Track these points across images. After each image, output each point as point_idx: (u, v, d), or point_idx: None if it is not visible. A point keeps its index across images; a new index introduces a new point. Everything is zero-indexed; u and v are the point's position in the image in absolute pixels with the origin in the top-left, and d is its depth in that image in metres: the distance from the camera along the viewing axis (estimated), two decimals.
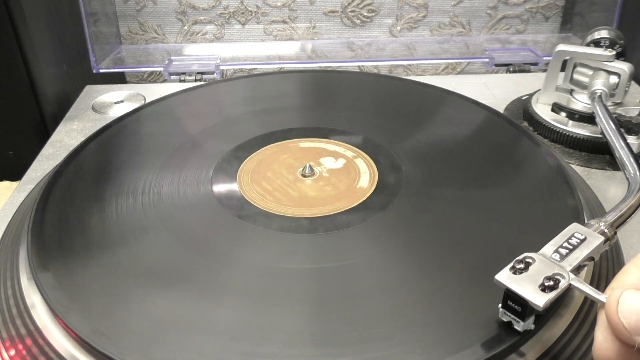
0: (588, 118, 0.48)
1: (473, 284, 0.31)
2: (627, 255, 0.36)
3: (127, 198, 0.38)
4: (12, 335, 0.31)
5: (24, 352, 0.30)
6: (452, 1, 0.74)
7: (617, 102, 0.48)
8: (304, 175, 0.41)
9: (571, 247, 0.27)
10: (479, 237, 0.34)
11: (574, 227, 0.28)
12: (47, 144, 0.51)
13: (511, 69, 0.65)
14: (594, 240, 0.28)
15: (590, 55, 0.48)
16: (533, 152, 0.42)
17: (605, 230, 0.29)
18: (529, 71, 0.65)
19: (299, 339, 0.28)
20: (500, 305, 0.27)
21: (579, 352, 0.29)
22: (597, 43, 0.49)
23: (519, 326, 0.26)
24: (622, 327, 0.22)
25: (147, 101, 0.58)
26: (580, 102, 0.49)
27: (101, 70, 0.66)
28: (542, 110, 0.51)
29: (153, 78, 0.81)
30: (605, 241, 0.28)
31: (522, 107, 0.54)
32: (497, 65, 0.66)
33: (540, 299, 0.25)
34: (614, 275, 0.25)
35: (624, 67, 0.46)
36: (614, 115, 0.45)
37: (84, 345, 0.28)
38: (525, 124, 0.52)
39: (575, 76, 0.49)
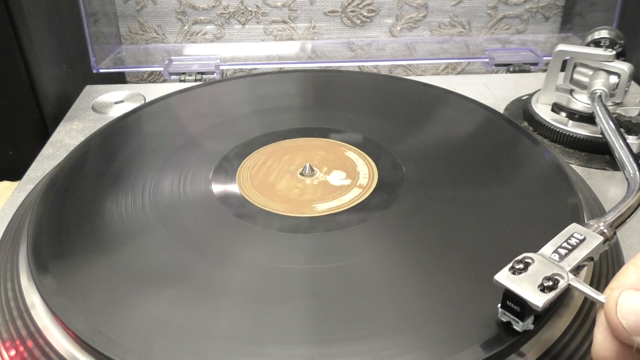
0: (588, 118, 0.48)
1: (473, 283, 0.31)
2: (627, 255, 0.36)
3: (128, 198, 0.38)
4: (12, 335, 0.31)
5: (24, 353, 0.30)
6: (452, 1, 0.74)
7: (617, 102, 0.48)
8: (303, 175, 0.41)
9: (570, 247, 0.27)
10: (479, 237, 0.34)
11: (573, 228, 0.28)
12: (47, 144, 0.51)
13: (511, 69, 0.65)
14: (594, 241, 0.28)
15: (590, 55, 0.48)
16: (533, 152, 0.42)
17: (605, 231, 0.29)
18: (529, 71, 0.65)
19: (298, 338, 0.28)
20: (499, 305, 0.27)
21: (579, 352, 0.29)
22: (597, 43, 0.49)
23: (518, 326, 0.26)
24: (621, 327, 0.22)
25: (147, 101, 0.58)
26: (580, 102, 0.49)
27: (101, 70, 0.66)
28: (542, 110, 0.51)
29: (153, 78, 0.81)
30: (604, 241, 0.28)
31: (522, 107, 0.54)
32: (497, 65, 0.66)
33: (539, 299, 0.25)
34: (613, 275, 0.25)
35: (624, 67, 0.46)
36: (614, 115, 0.45)
37: (84, 345, 0.28)
38: (525, 124, 0.52)
39: (575, 76, 0.49)
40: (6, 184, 0.54)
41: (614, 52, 0.47)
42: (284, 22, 0.75)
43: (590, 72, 0.48)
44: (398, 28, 0.76)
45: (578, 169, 0.46)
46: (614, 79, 0.47)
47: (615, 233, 0.29)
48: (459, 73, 0.80)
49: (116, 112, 0.56)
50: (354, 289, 0.31)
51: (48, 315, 0.31)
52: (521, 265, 0.26)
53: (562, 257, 0.27)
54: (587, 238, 0.28)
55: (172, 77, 0.64)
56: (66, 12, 0.62)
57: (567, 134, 0.48)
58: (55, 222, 0.36)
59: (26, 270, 0.34)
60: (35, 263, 0.32)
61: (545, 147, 0.42)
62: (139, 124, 0.48)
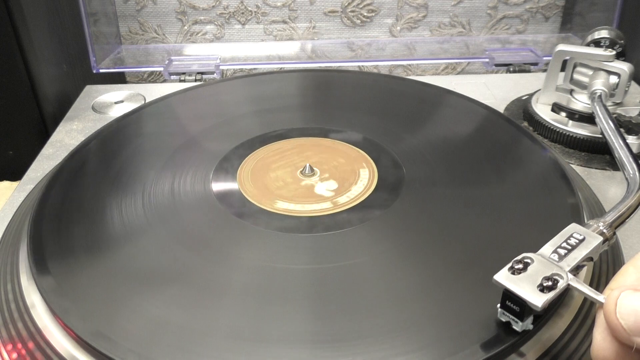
0: (588, 118, 0.48)
1: (473, 283, 0.31)
2: (626, 255, 0.36)
3: (128, 198, 0.38)
4: (12, 335, 0.31)
5: (24, 353, 0.30)
6: (452, 1, 0.74)
7: (617, 102, 0.48)
8: (304, 175, 0.41)
9: (570, 247, 0.27)
10: (479, 237, 0.34)
11: (572, 228, 0.28)
12: (47, 144, 0.51)
13: (511, 69, 0.65)
14: (593, 241, 0.28)
15: (590, 55, 0.48)
16: (533, 152, 0.42)
17: (604, 231, 0.29)
18: (529, 71, 0.65)
19: (298, 338, 0.28)
20: (498, 305, 0.27)
21: (579, 352, 0.29)
22: (597, 43, 0.49)
23: (518, 326, 0.26)
24: (620, 327, 0.22)
25: (147, 101, 0.58)
26: (580, 102, 0.49)
27: (101, 70, 0.66)
28: (542, 110, 0.51)
29: (153, 78, 0.81)
30: (604, 241, 0.28)
31: (522, 107, 0.54)
32: (497, 65, 0.66)
33: (538, 300, 0.25)
34: (613, 275, 0.25)
35: (624, 67, 0.46)
36: (614, 115, 0.45)
37: (84, 345, 0.28)
38: (525, 124, 0.52)
39: (575, 76, 0.49)
40: (6, 184, 0.54)
41: (614, 52, 0.47)
42: (284, 22, 0.75)
43: (590, 72, 0.48)
44: (398, 28, 0.76)
45: (578, 169, 0.46)
46: (614, 79, 0.47)
47: (614, 233, 0.29)
48: (459, 73, 0.80)
49: (116, 112, 0.56)
50: (354, 289, 0.31)
51: (48, 316, 0.31)
52: (520, 265, 0.26)
53: (561, 257, 0.27)
54: (587, 238, 0.28)
55: (172, 77, 0.64)
56: (66, 12, 0.62)
57: (567, 134, 0.48)
58: (55, 222, 0.36)
59: (26, 270, 0.34)
60: (36, 263, 0.32)
61: (545, 147, 0.42)
62: (139, 124, 0.48)
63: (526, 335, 0.27)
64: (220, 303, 0.30)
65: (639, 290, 0.22)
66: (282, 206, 0.38)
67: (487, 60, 0.67)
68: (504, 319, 0.27)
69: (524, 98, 0.57)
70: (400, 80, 0.56)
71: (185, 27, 0.75)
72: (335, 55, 0.73)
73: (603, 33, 0.49)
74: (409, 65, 0.79)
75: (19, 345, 0.30)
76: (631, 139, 0.45)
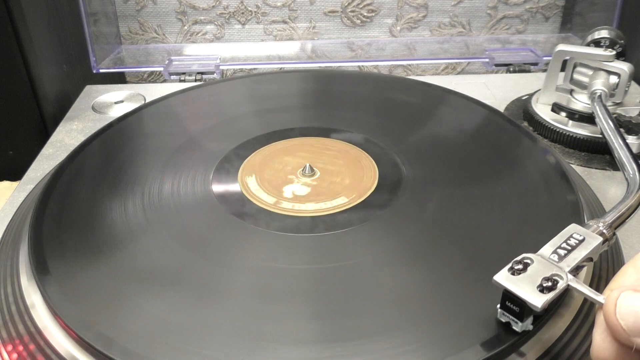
0: (588, 118, 0.48)
1: (473, 283, 0.31)
2: (626, 255, 0.36)
3: (128, 198, 0.38)
4: (12, 335, 0.31)
5: (24, 353, 0.30)
6: (452, 1, 0.74)
7: (617, 102, 0.48)
8: (304, 175, 0.41)
9: (570, 247, 0.27)
10: (479, 237, 0.34)
11: (572, 228, 0.28)
12: (47, 144, 0.51)
13: (511, 69, 0.65)
14: (593, 241, 0.28)
15: (590, 55, 0.48)
16: (533, 152, 0.42)
17: (604, 231, 0.29)
18: (529, 71, 0.65)
19: (298, 338, 0.28)
20: (498, 305, 0.27)
21: (579, 352, 0.29)
22: (597, 43, 0.49)
23: (518, 327, 0.26)
24: (620, 328, 0.22)
25: (147, 101, 0.58)
26: (580, 102, 0.49)
27: (101, 70, 0.66)
28: (542, 110, 0.51)
29: (153, 78, 0.81)
30: (604, 242, 0.28)
31: (522, 107, 0.54)
32: (497, 65, 0.66)
33: (538, 300, 0.25)
34: (613, 275, 0.25)
35: (624, 67, 0.46)
36: (614, 115, 0.45)
37: (85, 345, 0.28)
38: (525, 124, 0.52)
39: (575, 76, 0.49)
40: (6, 184, 0.54)
41: (614, 52, 0.47)
42: (284, 22, 0.75)
43: (590, 72, 0.48)
44: (398, 28, 0.76)
45: (578, 169, 0.46)
46: (614, 79, 0.47)
47: (614, 233, 0.29)
48: (459, 73, 0.80)
49: (116, 112, 0.56)
50: (354, 289, 0.31)
51: (48, 315, 0.31)
52: (520, 266, 0.26)
53: (561, 258, 0.27)
54: (587, 238, 0.28)
55: (172, 77, 0.64)
56: (66, 12, 0.62)
57: (567, 134, 0.48)
58: (55, 222, 0.36)
59: (26, 270, 0.34)
60: (36, 263, 0.32)
61: (545, 147, 0.42)
62: (139, 124, 0.48)
63: (526, 335, 0.27)
64: (220, 303, 0.30)
65: (638, 290, 0.22)
66: (283, 206, 0.38)
67: (487, 60, 0.67)
68: (503, 320, 0.27)
69: (524, 98, 0.57)
70: (400, 80, 0.56)
71: (185, 27, 0.75)
72: (335, 55, 0.73)
73: (603, 33, 0.49)
74: (409, 65, 0.79)
75: (19, 345, 0.30)
76: (631, 139, 0.45)
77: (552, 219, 0.35)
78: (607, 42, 0.49)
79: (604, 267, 0.34)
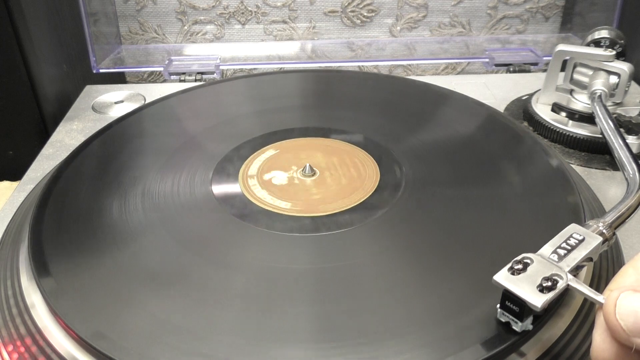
0: (588, 118, 0.48)
1: (473, 283, 0.31)
2: (626, 255, 0.36)
3: (128, 198, 0.38)
4: (12, 335, 0.31)
5: (24, 353, 0.30)
6: (452, 1, 0.74)
7: (617, 102, 0.48)
8: (304, 175, 0.41)
9: (569, 247, 0.27)
10: (479, 237, 0.34)
11: (572, 228, 0.28)
12: (47, 144, 0.51)
13: (511, 69, 0.65)
14: (593, 241, 0.28)
15: (590, 55, 0.48)
16: (533, 152, 0.42)
17: (604, 231, 0.29)
18: (529, 71, 0.65)
19: (300, 339, 0.28)
20: (498, 305, 0.27)
21: (579, 352, 0.29)
22: (597, 43, 0.49)
23: (517, 327, 0.26)
24: (619, 328, 0.22)
25: (147, 101, 0.58)
26: (580, 102, 0.49)
27: (101, 70, 0.66)
28: (542, 110, 0.51)
29: (153, 78, 0.81)
30: (603, 242, 0.28)
31: (522, 107, 0.54)
32: (497, 65, 0.66)
33: (538, 300, 0.25)
34: (613, 275, 0.25)
35: (624, 67, 0.46)
36: (614, 115, 0.45)
37: (84, 345, 0.28)
38: (525, 124, 0.52)
39: (575, 76, 0.49)
40: (6, 184, 0.54)
41: (614, 52, 0.47)
42: (284, 22, 0.75)
43: (590, 72, 0.48)
44: (398, 28, 0.76)
45: (578, 169, 0.46)
46: (614, 79, 0.47)
47: (614, 233, 0.29)
48: (459, 73, 0.80)
49: (116, 112, 0.56)
50: (355, 289, 0.31)
51: (48, 315, 0.31)
52: (520, 266, 0.26)
53: (561, 258, 0.27)
54: (586, 238, 0.28)
55: (172, 77, 0.64)
56: (66, 12, 0.62)
57: (567, 134, 0.48)
58: (55, 223, 0.36)
59: (26, 270, 0.34)
60: (36, 263, 0.32)
61: (545, 147, 0.42)
62: (139, 125, 0.48)
63: (526, 335, 0.27)
64: (221, 303, 0.30)
65: (638, 291, 0.22)
66: (283, 206, 0.38)
67: (487, 60, 0.67)
68: (503, 320, 0.27)
69: (524, 98, 0.57)
70: (400, 80, 0.56)
71: (185, 27, 0.75)
72: (335, 55, 0.73)
73: (603, 33, 0.49)
74: (409, 65, 0.79)
75: (19, 345, 0.30)
76: (631, 139, 0.45)
77: (552, 219, 0.35)
78: (607, 42, 0.49)
79: (604, 267, 0.34)
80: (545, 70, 0.52)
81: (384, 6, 0.74)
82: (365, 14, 0.75)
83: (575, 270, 0.27)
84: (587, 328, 0.30)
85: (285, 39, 0.76)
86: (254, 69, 0.76)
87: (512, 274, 0.26)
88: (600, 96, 0.45)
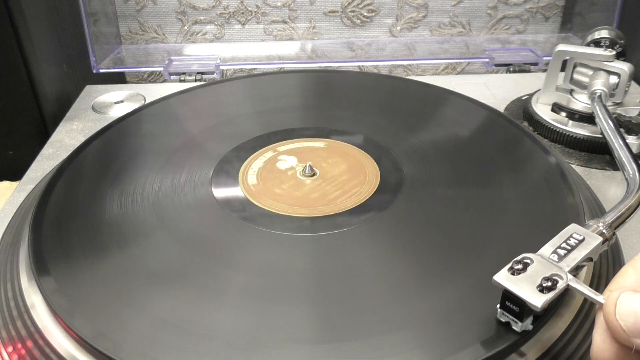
0: (588, 118, 0.48)
1: (473, 283, 0.31)
2: (627, 255, 0.36)
3: (128, 199, 0.38)
4: (12, 335, 0.31)
5: (24, 353, 0.30)
6: (452, 1, 0.74)
7: (617, 102, 0.48)
8: (304, 175, 0.41)
9: (569, 247, 0.27)
10: (479, 237, 0.34)
11: (572, 228, 0.28)
12: (47, 144, 0.51)
13: (511, 69, 0.65)
14: (593, 241, 0.28)
15: (590, 55, 0.48)
16: (533, 152, 0.42)
17: (604, 231, 0.29)
18: (529, 71, 0.65)
19: (300, 338, 0.28)
20: (498, 305, 0.27)
21: (579, 352, 0.29)
22: (597, 43, 0.49)
23: (517, 327, 0.26)
24: (620, 329, 0.22)
25: (147, 101, 0.58)
26: (580, 102, 0.49)
27: (101, 70, 0.66)
28: (542, 110, 0.51)
29: (153, 78, 0.81)
30: (603, 242, 0.28)
31: (522, 107, 0.54)
32: (497, 65, 0.66)
33: (538, 300, 0.25)
34: (613, 275, 0.25)
35: (624, 67, 0.46)
36: (614, 115, 0.45)
37: (85, 345, 0.28)
38: (525, 124, 0.52)
39: (575, 76, 0.49)
40: (6, 184, 0.54)
41: (614, 52, 0.47)
42: (284, 22, 0.75)
43: (590, 72, 0.48)
44: (398, 28, 0.76)
45: (578, 169, 0.46)
46: (614, 79, 0.47)
47: (614, 233, 0.29)
48: (459, 73, 0.80)
49: (116, 112, 0.56)
50: (354, 289, 0.31)
51: (48, 316, 0.31)
52: (520, 266, 0.26)
53: (561, 258, 0.27)
54: (586, 238, 0.28)
55: (172, 77, 0.64)
56: (66, 12, 0.62)
57: (567, 134, 0.48)
58: (55, 223, 0.36)
59: (26, 270, 0.34)
60: (36, 263, 0.32)
61: (545, 147, 0.42)
62: (140, 125, 0.48)
63: (526, 335, 0.27)
64: (221, 303, 0.30)
65: (638, 291, 0.22)
66: (283, 207, 0.38)
67: (487, 60, 0.67)
68: (503, 320, 0.27)
69: (524, 98, 0.57)
70: (400, 80, 0.56)
71: (185, 27, 0.75)
72: (335, 55, 0.73)
73: (603, 33, 0.49)
74: (409, 65, 0.79)
75: (19, 345, 0.30)
76: (631, 139, 0.45)
77: (552, 219, 0.35)
78: (607, 42, 0.49)
79: (604, 267, 0.34)
80: (545, 70, 0.52)
81: (384, 6, 0.74)
82: (365, 14, 0.75)
83: (575, 271, 0.27)
84: (587, 328, 0.30)
85: (285, 39, 0.76)
86: (254, 69, 0.76)
87: (512, 274, 0.26)
88: (600, 96, 0.45)
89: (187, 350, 0.27)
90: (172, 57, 0.68)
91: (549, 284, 0.25)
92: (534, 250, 0.27)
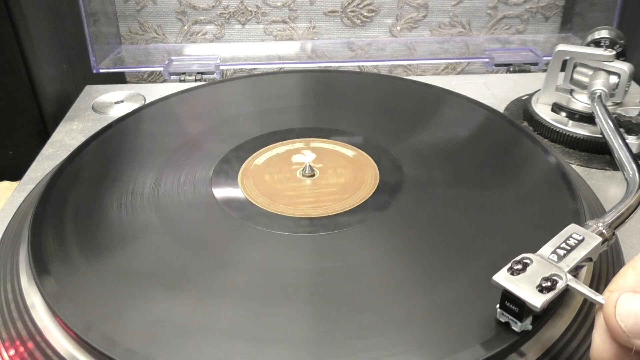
0: (588, 118, 0.48)
1: (472, 283, 0.31)
2: (626, 255, 0.36)
3: (128, 199, 0.38)
4: (12, 335, 0.31)
5: (24, 353, 0.30)
6: (452, 1, 0.74)
7: (617, 102, 0.48)
8: (304, 175, 0.41)
9: (569, 248, 0.27)
10: (479, 237, 0.34)
11: (572, 228, 0.28)
12: (47, 144, 0.51)
13: (511, 69, 0.65)
14: (592, 241, 0.28)
15: (590, 55, 0.48)
16: (533, 152, 0.42)
17: (604, 231, 0.29)
18: (529, 71, 0.65)
19: (299, 339, 0.28)
20: (498, 305, 0.27)
21: (579, 352, 0.29)
22: (597, 43, 0.49)
23: (517, 327, 0.26)
24: (619, 329, 0.22)
25: (147, 101, 0.58)
26: (580, 102, 0.49)
27: (101, 70, 0.66)
28: (542, 110, 0.51)
29: (153, 78, 0.81)
30: (603, 242, 0.28)
31: (522, 107, 0.54)
32: (497, 65, 0.66)
33: (537, 300, 0.25)
34: (613, 275, 0.25)
35: (624, 67, 0.46)
36: (614, 115, 0.45)
37: (85, 345, 0.28)
38: (525, 124, 0.52)
39: (575, 76, 0.49)
40: (6, 184, 0.54)
41: (614, 52, 0.47)
42: (284, 22, 0.75)
43: (590, 72, 0.48)
44: (398, 28, 0.76)
45: (578, 169, 0.46)
46: (614, 79, 0.47)
47: (614, 234, 0.29)
48: (459, 73, 0.80)
49: (116, 112, 0.56)
50: (354, 289, 0.31)
51: (48, 316, 0.31)
52: (520, 266, 0.26)
53: (560, 258, 0.27)
54: (586, 239, 0.28)
55: (172, 77, 0.64)
56: (66, 12, 0.62)
57: (567, 134, 0.48)
58: (55, 223, 0.36)
59: (26, 270, 0.34)
60: (36, 264, 0.32)
61: (545, 147, 0.42)
62: (139, 125, 0.48)
63: (526, 335, 0.27)
64: (221, 303, 0.30)
65: (638, 292, 0.22)
66: (283, 207, 0.38)
67: (487, 60, 0.67)
68: (503, 320, 0.27)
69: (524, 98, 0.57)
70: (400, 80, 0.56)
71: (185, 27, 0.75)
72: (335, 55, 0.73)
73: (603, 33, 0.49)
74: (409, 65, 0.79)
75: (19, 345, 0.30)
76: (631, 139, 0.45)
77: (552, 219, 0.35)
78: (607, 42, 0.49)
79: (604, 267, 0.34)
80: (545, 70, 0.52)
81: (384, 6, 0.74)
82: (365, 14, 0.75)
83: (575, 271, 0.27)
84: (587, 328, 0.30)
85: (285, 39, 0.76)
86: (254, 69, 0.76)
87: (512, 274, 0.26)
88: (600, 96, 0.45)
89: (186, 350, 0.27)
90: (172, 57, 0.68)
91: (549, 284, 0.25)
92: (534, 250, 0.27)
